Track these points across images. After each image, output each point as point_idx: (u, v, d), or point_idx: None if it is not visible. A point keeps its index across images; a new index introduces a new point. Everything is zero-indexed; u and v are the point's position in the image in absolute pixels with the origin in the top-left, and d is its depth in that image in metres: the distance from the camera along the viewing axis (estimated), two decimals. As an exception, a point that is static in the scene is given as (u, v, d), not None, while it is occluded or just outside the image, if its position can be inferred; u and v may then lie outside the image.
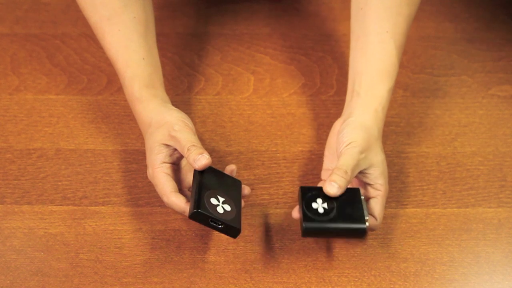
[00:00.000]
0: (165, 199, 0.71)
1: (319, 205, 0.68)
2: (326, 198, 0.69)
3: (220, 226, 0.68)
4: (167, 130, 0.72)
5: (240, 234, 0.75)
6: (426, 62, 0.96)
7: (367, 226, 0.67)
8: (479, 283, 0.72)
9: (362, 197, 0.70)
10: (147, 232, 0.76)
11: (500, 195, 0.80)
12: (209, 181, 0.71)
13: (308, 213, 0.67)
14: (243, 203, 0.73)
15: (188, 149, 0.70)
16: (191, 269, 0.73)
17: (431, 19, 1.02)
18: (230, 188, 0.72)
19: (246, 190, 0.74)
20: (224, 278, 0.73)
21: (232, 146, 0.85)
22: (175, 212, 0.78)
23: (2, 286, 0.72)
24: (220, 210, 0.68)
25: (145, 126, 0.76)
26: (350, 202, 0.69)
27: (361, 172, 0.71)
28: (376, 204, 0.71)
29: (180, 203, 0.70)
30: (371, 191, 0.72)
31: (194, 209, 0.67)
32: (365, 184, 0.72)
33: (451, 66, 0.95)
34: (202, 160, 0.69)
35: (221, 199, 0.69)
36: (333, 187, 0.68)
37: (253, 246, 0.75)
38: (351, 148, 0.70)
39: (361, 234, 0.67)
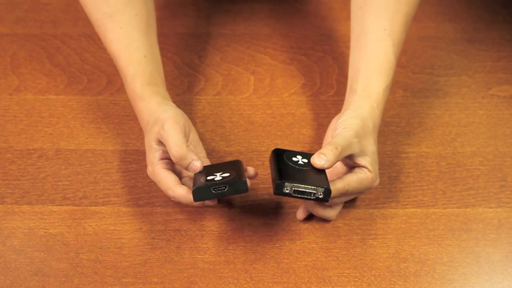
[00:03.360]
0: (170, 192, 0.71)
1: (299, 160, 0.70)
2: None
3: (225, 189, 0.67)
4: (158, 128, 0.72)
5: (240, 234, 0.76)
6: (426, 62, 0.96)
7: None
8: (479, 283, 0.72)
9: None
10: (147, 232, 0.76)
11: (500, 195, 0.80)
12: (205, 170, 0.71)
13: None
14: (248, 181, 0.72)
15: (174, 157, 0.70)
16: (191, 269, 0.73)
17: (431, 19, 1.02)
18: (228, 165, 0.73)
19: (252, 171, 0.73)
20: (224, 278, 0.73)
21: (232, 146, 0.85)
22: (175, 211, 0.78)
23: (2, 286, 0.72)
24: (218, 178, 0.68)
25: (145, 124, 0.76)
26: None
27: (351, 159, 0.72)
28: (353, 175, 0.71)
29: (186, 194, 0.70)
30: (356, 170, 0.72)
31: (193, 188, 0.67)
32: (353, 168, 0.72)
33: (451, 66, 0.95)
34: (194, 168, 0.70)
35: (219, 173, 0.70)
36: (321, 159, 0.68)
37: (253, 246, 0.75)
38: (345, 131, 0.71)
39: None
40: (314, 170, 0.69)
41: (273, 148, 0.73)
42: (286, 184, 0.66)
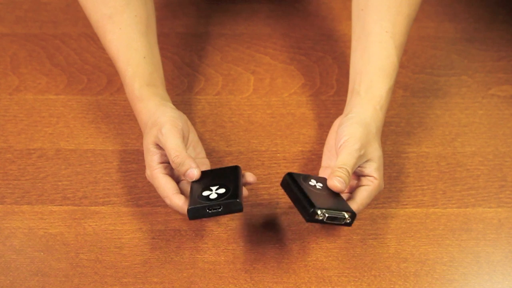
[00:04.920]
0: (167, 201, 0.71)
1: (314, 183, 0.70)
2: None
3: (220, 209, 0.67)
4: (156, 132, 0.72)
5: (240, 234, 0.76)
6: (426, 62, 0.96)
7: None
8: (479, 283, 0.72)
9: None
10: (147, 232, 0.76)
11: (500, 195, 0.80)
12: (202, 179, 0.71)
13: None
14: (244, 190, 0.72)
15: (174, 162, 0.70)
16: (191, 269, 0.73)
17: (431, 19, 1.02)
18: (226, 174, 0.72)
19: (251, 177, 0.73)
20: (224, 278, 0.73)
21: (232, 146, 0.85)
22: (175, 212, 0.78)
23: (2, 286, 0.72)
24: (213, 196, 0.68)
25: (143, 125, 0.76)
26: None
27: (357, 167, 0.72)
28: (363, 192, 0.71)
29: (182, 205, 0.70)
30: (364, 181, 0.72)
31: (188, 207, 0.67)
32: (359, 176, 0.73)
33: (451, 66, 0.95)
34: (190, 175, 0.70)
35: (214, 188, 0.70)
36: (340, 183, 0.68)
37: (253, 246, 0.75)
38: (350, 146, 0.70)
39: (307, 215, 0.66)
40: (331, 194, 0.69)
41: (286, 172, 0.71)
42: (319, 211, 0.66)
